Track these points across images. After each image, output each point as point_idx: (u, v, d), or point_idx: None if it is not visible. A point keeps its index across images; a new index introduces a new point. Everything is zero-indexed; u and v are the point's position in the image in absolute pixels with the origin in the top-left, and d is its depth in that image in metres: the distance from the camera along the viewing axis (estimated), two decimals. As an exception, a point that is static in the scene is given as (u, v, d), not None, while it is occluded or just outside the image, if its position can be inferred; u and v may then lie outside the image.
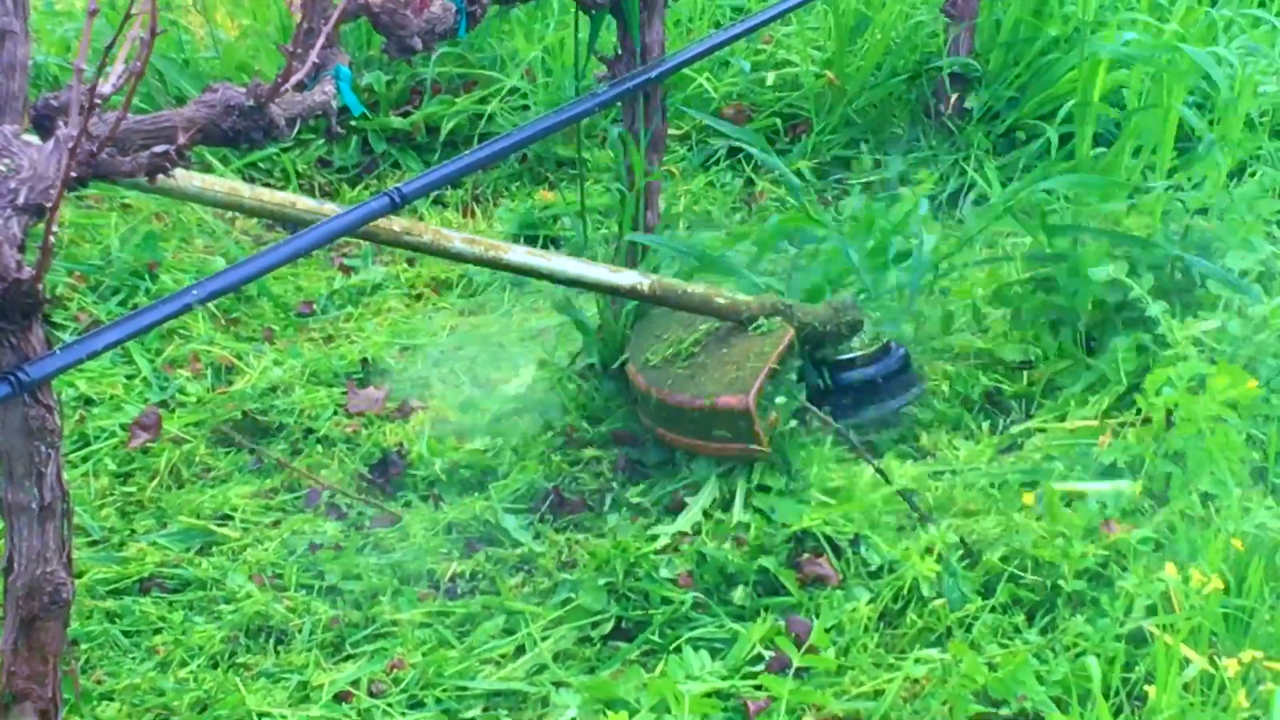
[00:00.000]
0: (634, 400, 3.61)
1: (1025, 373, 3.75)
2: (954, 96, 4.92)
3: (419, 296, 4.48)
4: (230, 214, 4.90)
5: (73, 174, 2.26)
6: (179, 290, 2.65)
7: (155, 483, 3.67)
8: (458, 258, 3.46)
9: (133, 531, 3.51)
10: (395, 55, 2.92)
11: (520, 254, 3.43)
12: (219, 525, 3.52)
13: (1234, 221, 3.77)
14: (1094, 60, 4.33)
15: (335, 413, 3.86)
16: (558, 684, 3.00)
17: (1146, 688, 2.71)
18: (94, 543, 3.45)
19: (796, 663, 2.84)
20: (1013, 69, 4.96)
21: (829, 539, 3.19)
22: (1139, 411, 3.38)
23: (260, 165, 5.05)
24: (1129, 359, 3.55)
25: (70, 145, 2.22)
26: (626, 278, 3.47)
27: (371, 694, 3.02)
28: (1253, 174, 4.39)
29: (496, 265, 3.44)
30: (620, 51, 3.52)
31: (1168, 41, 4.38)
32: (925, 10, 5.25)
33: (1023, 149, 4.80)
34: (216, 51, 5.27)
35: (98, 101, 2.23)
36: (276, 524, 3.51)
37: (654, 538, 3.27)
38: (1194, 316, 3.58)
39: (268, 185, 4.83)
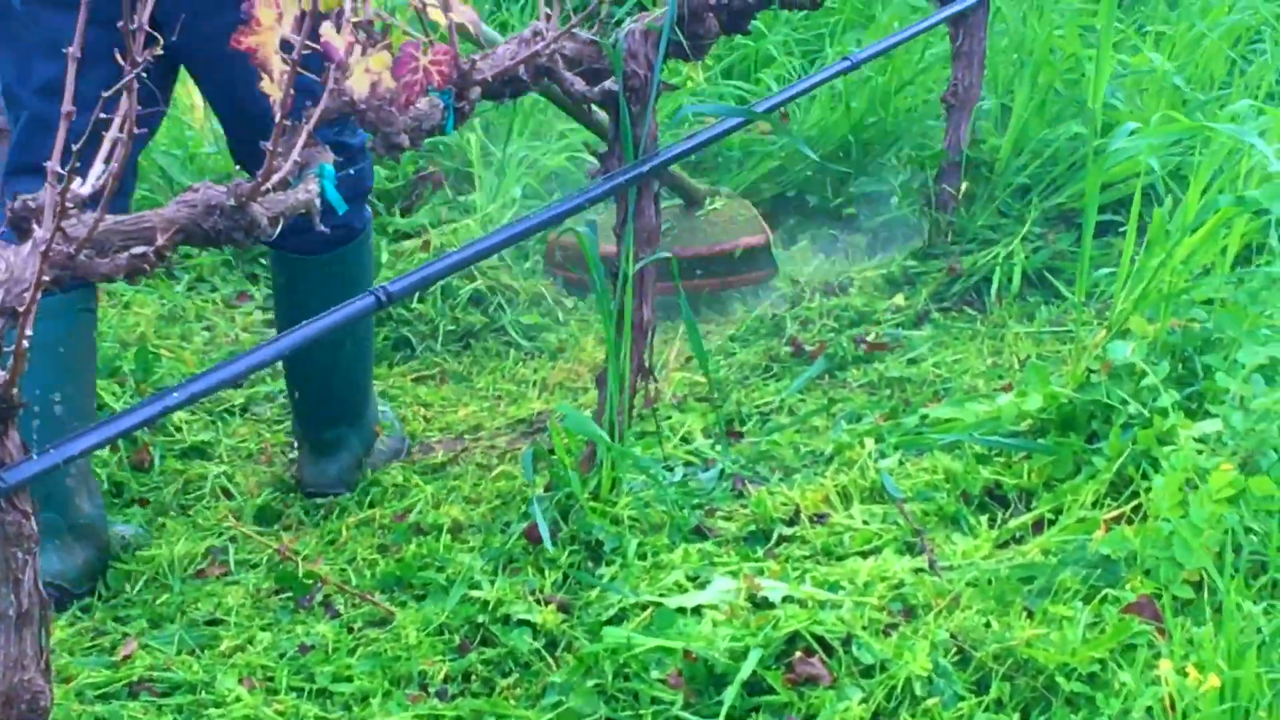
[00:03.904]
0: None
1: (1026, 465, 3.71)
2: (963, 186, 4.91)
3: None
4: (233, 309, 4.91)
5: (48, 277, 2.25)
6: (159, 391, 2.63)
7: (149, 582, 3.66)
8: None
9: (125, 634, 3.48)
10: (383, 153, 2.90)
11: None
12: (211, 625, 3.49)
13: (1239, 312, 3.74)
14: (1101, 158, 4.28)
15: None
16: (549, 788, 2.97)
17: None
18: (87, 649, 3.43)
19: (790, 764, 2.81)
20: (1019, 158, 4.95)
21: (819, 638, 3.15)
22: (1138, 506, 3.35)
23: (261, 261, 5.04)
24: (1129, 450, 3.51)
25: (43, 248, 2.21)
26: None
27: (360, 798, 2.99)
28: (1266, 261, 4.34)
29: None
30: (612, 144, 3.51)
31: (1175, 129, 4.34)
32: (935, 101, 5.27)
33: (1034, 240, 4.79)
34: (218, 147, 5.28)
35: (71, 204, 2.22)
36: (269, 626, 3.48)
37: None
38: (1198, 407, 3.56)
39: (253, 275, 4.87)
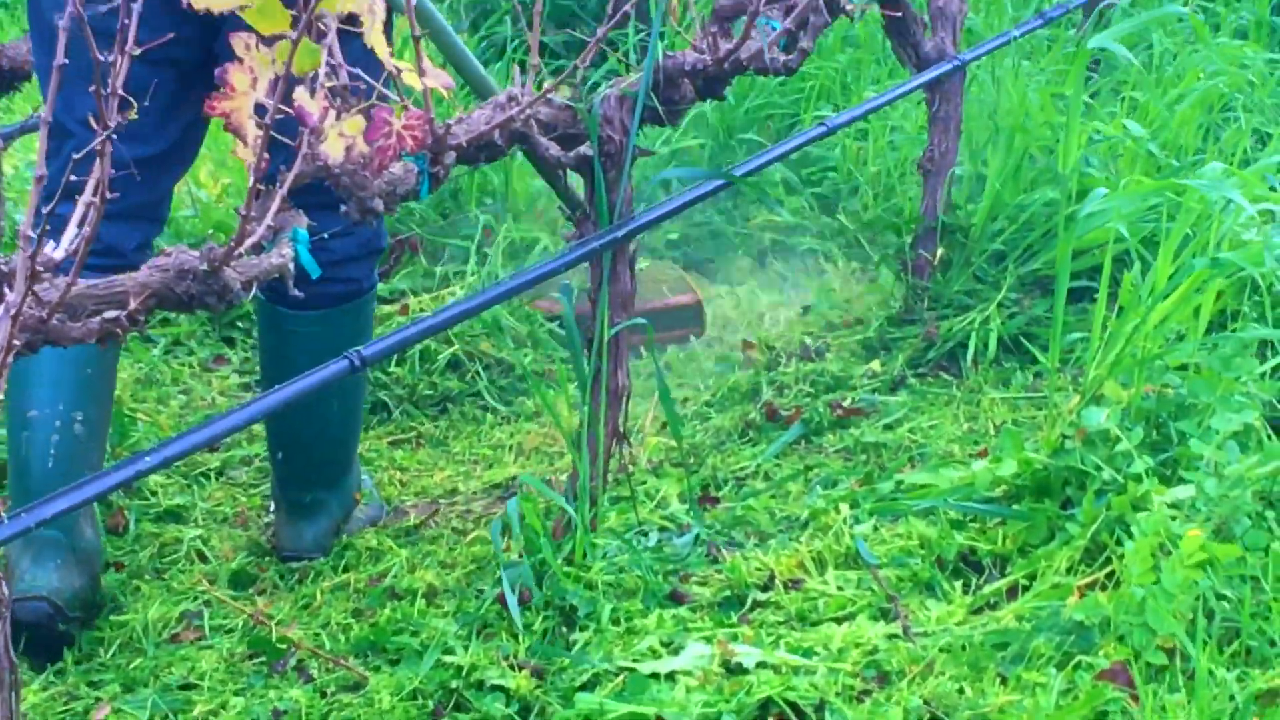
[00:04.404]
0: None
1: (1000, 531, 3.72)
2: (939, 252, 4.91)
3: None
4: (210, 372, 4.91)
5: (19, 341, 2.25)
6: (134, 454, 2.63)
7: (123, 646, 3.65)
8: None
9: (98, 698, 3.47)
10: (357, 218, 2.90)
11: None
12: (184, 690, 3.48)
13: (1213, 378, 3.75)
14: (1073, 223, 4.30)
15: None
16: None
17: None
18: (59, 713, 3.42)
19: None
20: (994, 223, 4.96)
21: (792, 704, 3.14)
22: (1112, 573, 3.36)
23: (238, 324, 5.04)
24: (1103, 516, 3.52)
25: (14, 312, 2.21)
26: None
27: None
28: (1235, 328, 4.35)
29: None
30: (587, 210, 3.52)
31: (1145, 188, 4.36)
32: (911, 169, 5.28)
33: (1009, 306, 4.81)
34: (195, 210, 5.29)
35: (42, 268, 2.22)
36: (242, 691, 3.47)
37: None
38: (1172, 473, 3.56)
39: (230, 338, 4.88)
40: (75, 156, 2.17)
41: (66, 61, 2.11)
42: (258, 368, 4.72)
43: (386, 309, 5.04)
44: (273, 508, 4.09)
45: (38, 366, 3.43)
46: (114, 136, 2.16)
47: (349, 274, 3.81)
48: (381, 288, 5.17)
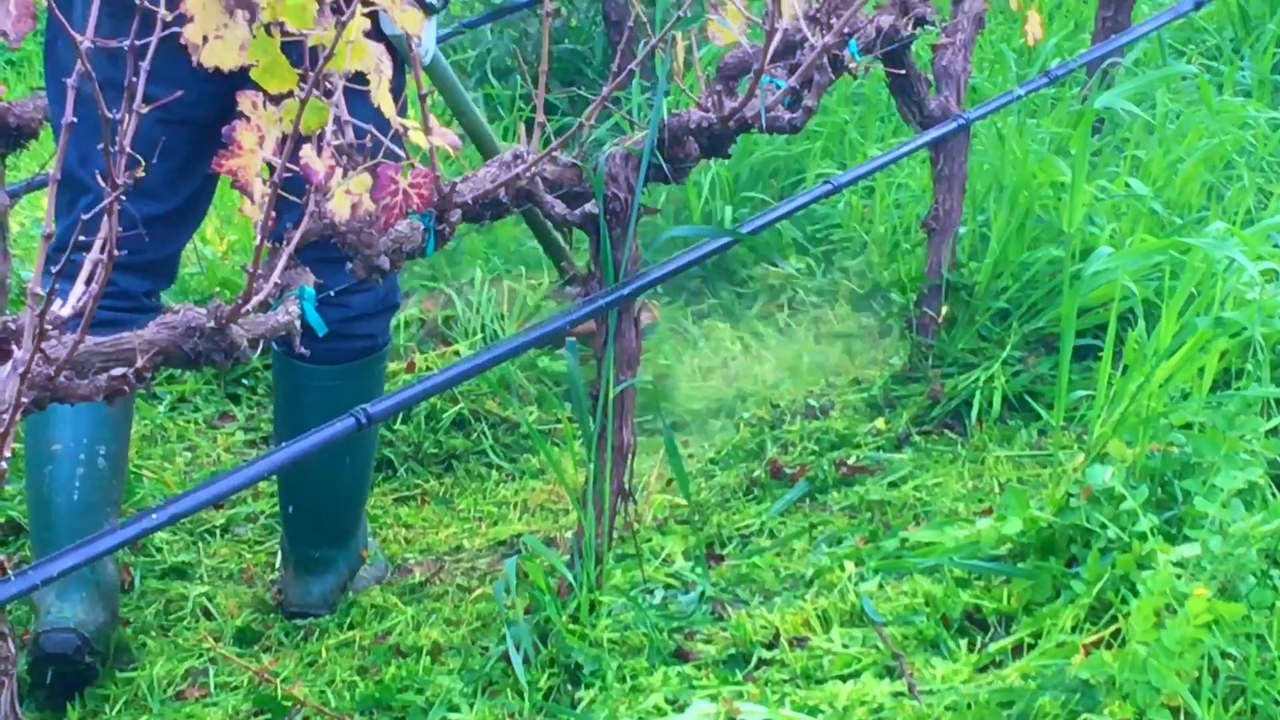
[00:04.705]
0: None
1: (1005, 589, 3.71)
2: (943, 310, 4.92)
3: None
4: (215, 429, 4.92)
5: (27, 398, 2.26)
6: (141, 511, 2.64)
7: (128, 704, 3.65)
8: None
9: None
10: (363, 275, 2.91)
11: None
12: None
13: (1217, 436, 3.75)
14: (1078, 282, 4.30)
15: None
16: None
17: None
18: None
19: None
20: (998, 281, 4.97)
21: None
22: (1117, 631, 3.35)
23: (244, 381, 5.05)
24: (1108, 574, 3.51)
25: (22, 370, 2.22)
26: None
27: None
28: (1239, 386, 4.35)
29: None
30: (593, 268, 3.53)
31: (1149, 247, 4.37)
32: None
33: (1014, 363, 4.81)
34: (201, 267, 5.30)
35: (50, 326, 2.24)
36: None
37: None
38: (1177, 531, 3.56)
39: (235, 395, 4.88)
40: (84, 217, 2.18)
41: (75, 120, 2.12)
42: (263, 424, 4.74)
43: (392, 366, 5.05)
44: (280, 562, 4.10)
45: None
46: (126, 194, 2.17)
47: (365, 330, 3.85)
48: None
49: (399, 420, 4.82)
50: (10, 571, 2.34)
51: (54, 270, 2.13)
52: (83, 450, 3.56)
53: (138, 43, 2.15)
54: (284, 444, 2.81)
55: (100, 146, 2.13)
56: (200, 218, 3.83)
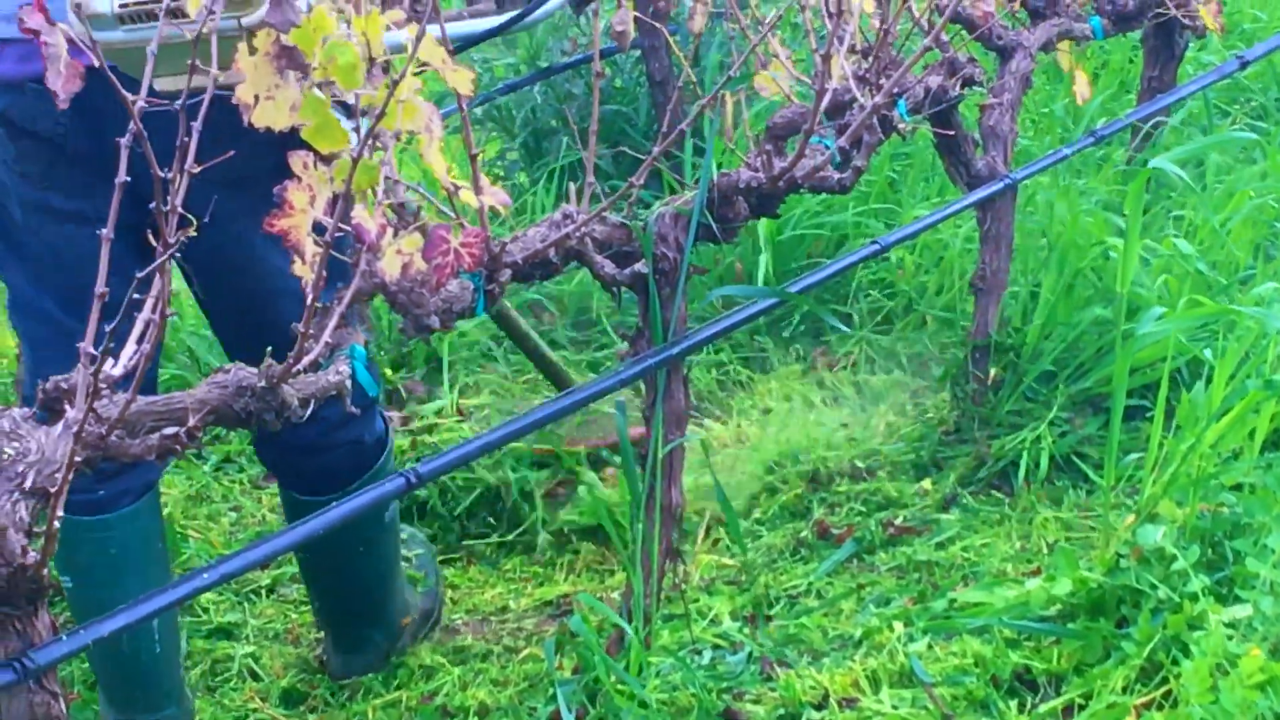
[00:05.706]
0: None
1: (1055, 649, 3.69)
2: (992, 372, 4.90)
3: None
4: (260, 489, 4.93)
5: (79, 458, 2.26)
6: (190, 571, 2.64)
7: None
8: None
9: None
10: (412, 334, 2.91)
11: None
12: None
13: (1268, 497, 3.73)
14: (1129, 342, 4.28)
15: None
16: None
17: None
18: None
19: None
20: (1045, 342, 4.95)
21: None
22: (1169, 692, 3.33)
23: (290, 441, 5.06)
24: (1159, 635, 3.49)
25: (75, 429, 2.22)
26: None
27: None
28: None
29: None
30: (641, 327, 3.52)
31: (1202, 313, 4.35)
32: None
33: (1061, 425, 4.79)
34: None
35: (103, 385, 2.24)
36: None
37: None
38: (1229, 592, 3.55)
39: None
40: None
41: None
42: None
43: (439, 421, 5.05)
44: (318, 628, 4.08)
45: (118, 556, 3.44)
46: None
47: (347, 436, 3.67)
48: (428, 407, 5.14)
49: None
50: (61, 633, 2.35)
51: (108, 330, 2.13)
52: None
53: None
54: (332, 504, 2.80)
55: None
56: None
